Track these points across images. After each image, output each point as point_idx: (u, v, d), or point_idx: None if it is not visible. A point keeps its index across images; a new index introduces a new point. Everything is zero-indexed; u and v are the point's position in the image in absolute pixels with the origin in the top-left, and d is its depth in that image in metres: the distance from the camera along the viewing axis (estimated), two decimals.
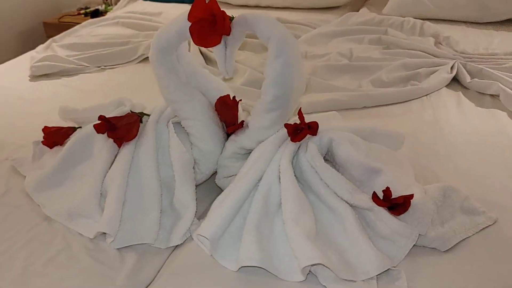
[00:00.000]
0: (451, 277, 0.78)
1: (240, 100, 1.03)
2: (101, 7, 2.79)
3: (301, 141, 0.89)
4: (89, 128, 1.03)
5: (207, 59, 1.63)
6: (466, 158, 1.09)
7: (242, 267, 0.79)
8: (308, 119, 0.95)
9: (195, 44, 0.92)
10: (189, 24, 0.89)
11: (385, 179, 0.86)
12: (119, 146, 0.97)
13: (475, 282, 0.77)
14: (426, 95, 1.37)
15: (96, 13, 2.71)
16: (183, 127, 1.01)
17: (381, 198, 0.83)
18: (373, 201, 0.82)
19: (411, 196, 0.81)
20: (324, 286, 0.76)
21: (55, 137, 1.08)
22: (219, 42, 0.91)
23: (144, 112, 1.04)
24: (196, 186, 1.00)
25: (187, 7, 2.07)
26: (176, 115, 1.02)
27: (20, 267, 0.83)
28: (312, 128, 0.89)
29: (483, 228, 0.88)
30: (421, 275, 0.79)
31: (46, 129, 1.11)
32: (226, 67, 0.96)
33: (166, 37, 0.95)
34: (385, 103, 1.32)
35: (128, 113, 1.02)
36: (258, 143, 0.95)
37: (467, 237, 0.86)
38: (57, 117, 1.23)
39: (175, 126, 1.01)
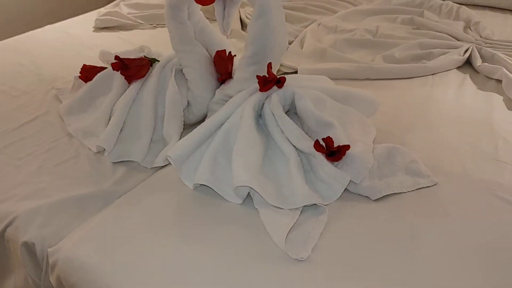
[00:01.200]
0: (369, 221, 0.89)
1: (235, 55, 1.19)
2: None
3: (267, 92, 1.03)
4: (110, 68, 1.25)
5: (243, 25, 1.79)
6: (441, 133, 1.15)
7: (198, 186, 0.97)
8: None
9: (196, 2, 1.09)
10: None
11: (335, 132, 0.98)
12: (129, 83, 1.18)
13: (388, 228, 0.87)
14: (433, 74, 1.42)
15: None
16: (184, 74, 1.19)
17: (324, 146, 0.95)
18: (314, 147, 0.95)
19: (347, 146, 0.93)
20: (256, 208, 0.91)
21: (89, 73, 1.31)
22: (213, 1, 1.06)
23: (156, 58, 1.24)
24: (190, 125, 1.18)
25: None
26: (180, 64, 1.20)
27: (36, 166, 1.07)
28: (280, 82, 1.03)
29: (421, 188, 0.97)
30: (345, 215, 0.90)
31: (84, 67, 1.34)
32: (223, 26, 1.12)
33: None
34: (388, 77, 1.40)
35: (141, 57, 1.22)
36: (239, 92, 1.10)
37: (401, 192, 0.95)
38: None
39: (178, 73, 1.19)
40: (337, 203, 0.93)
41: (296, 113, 1.07)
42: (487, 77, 1.40)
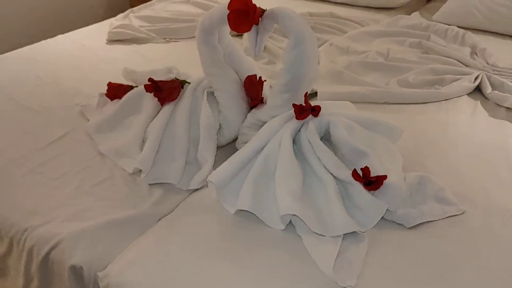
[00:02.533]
0: (406, 248, 0.94)
1: (265, 80, 1.23)
2: None
3: (304, 120, 1.07)
4: (141, 88, 1.27)
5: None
6: (460, 159, 1.21)
7: (238, 211, 1.00)
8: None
9: (231, 29, 1.12)
10: (227, 11, 1.09)
11: (369, 161, 1.03)
12: (162, 104, 1.20)
13: (425, 255, 0.92)
14: (446, 100, 1.48)
15: None
16: (215, 97, 1.22)
17: (361, 175, 0.99)
18: (352, 176, 0.99)
19: (385, 176, 0.97)
20: (299, 235, 0.95)
21: (116, 91, 1.33)
22: (249, 30, 1.09)
23: (187, 80, 1.26)
24: (220, 147, 1.22)
25: None
26: (211, 86, 1.23)
27: (74, 186, 1.09)
28: (315, 111, 1.07)
29: (451, 216, 1.02)
30: (383, 242, 0.95)
31: (110, 84, 1.36)
32: (255, 52, 1.15)
33: (209, 20, 1.16)
34: (404, 101, 1.46)
35: (173, 79, 1.24)
36: (271, 117, 1.14)
37: (433, 220, 1.01)
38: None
39: (209, 95, 1.22)
40: (373, 230, 0.97)
41: (328, 141, 1.11)
42: (497, 104, 1.46)
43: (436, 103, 1.47)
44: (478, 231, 0.99)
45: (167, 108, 1.19)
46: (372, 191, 0.99)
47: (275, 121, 1.10)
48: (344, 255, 0.91)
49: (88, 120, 1.32)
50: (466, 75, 1.56)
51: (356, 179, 0.99)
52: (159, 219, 1.03)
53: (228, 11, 1.08)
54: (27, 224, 0.99)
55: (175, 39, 1.92)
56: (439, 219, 1.01)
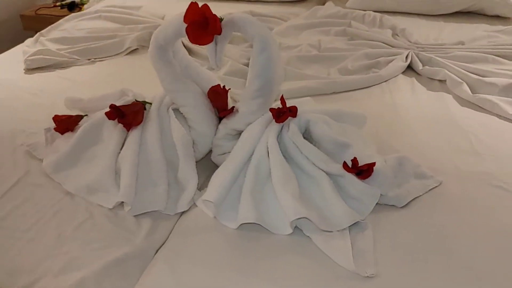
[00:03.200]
0: (405, 227, 0.99)
1: (229, 89, 1.21)
2: (77, 0, 2.87)
3: (283, 122, 1.08)
4: (98, 116, 1.19)
5: (190, 51, 1.79)
6: (418, 135, 1.30)
7: (240, 225, 0.98)
8: (287, 104, 1.14)
9: (191, 42, 1.07)
10: (184, 25, 1.05)
11: (352, 151, 1.06)
12: (128, 130, 1.13)
13: (423, 230, 0.98)
14: (385, 81, 1.58)
15: (72, 6, 2.78)
16: (181, 113, 1.18)
17: (350, 166, 1.03)
18: (344, 168, 1.02)
19: (374, 163, 1.02)
20: (308, 236, 0.96)
21: (65, 124, 1.23)
22: (211, 41, 1.06)
23: (146, 101, 1.20)
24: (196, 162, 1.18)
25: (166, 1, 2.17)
26: (174, 103, 1.19)
27: (54, 234, 0.99)
28: (293, 111, 1.08)
29: (431, 189, 1.10)
30: (383, 226, 0.99)
31: (56, 118, 1.25)
32: (216, 61, 1.13)
33: (164, 36, 1.11)
34: (350, 88, 1.53)
35: (134, 101, 1.18)
36: (246, 125, 1.13)
37: (418, 196, 1.07)
38: (59, 106, 1.38)
39: (174, 112, 1.18)
40: (369, 217, 1.02)
41: (307, 139, 1.13)
42: (430, 78, 1.59)
43: (377, 86, 1.56)
44: (458, 198, 1.07)
45: (135, 133, 1.12)
46: (363, 180, 1.03)
47: (254, 127, 1.10)
48: (355, 246, 0.94)
49: (40, 159, 1.21)
50: (396, 55, 1.67)
51: (348, 171, 1.02)
52: (157, 250, 0.98)
53: (184, 24, 1.05)
54: (15, 287, 0.89)
55: (101, 58, 1.81)
56: (422, 194, 1.08)
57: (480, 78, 1.48)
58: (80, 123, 1.25)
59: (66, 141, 1.21)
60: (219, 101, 1.19)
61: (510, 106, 1.35)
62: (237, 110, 1.15)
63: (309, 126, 1.10)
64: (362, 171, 1.02)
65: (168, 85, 1.16)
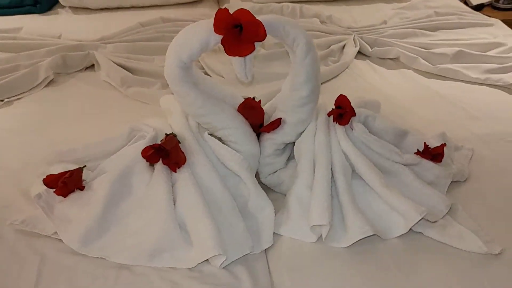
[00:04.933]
0: (470, 191, 1.04)
1: (260, 100, 1.09)
2: None
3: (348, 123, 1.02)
4: (120, 164, 0.96)
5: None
6: (414, 112, 1.34)
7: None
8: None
9: (228, 54, 0.93)
10: (213, 36, 0.91)
11: (411, 138, 1.06)
12: (175, 171, 0.94)
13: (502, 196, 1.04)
14: (347, 68, 1.60)
15: None
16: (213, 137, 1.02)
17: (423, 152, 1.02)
18: (419, 155, 1.01)
19: (444, 145, 1.03)
20: (420, 232, 0.93)
21: (72, 183, 0.96)
22: (254, 49, 0.94)
23: (174, 132, 1.01)
24: None
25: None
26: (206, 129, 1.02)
27: None
28: (351, 110, 1.02)
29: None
30: (456, 198, 1.02)
31: (50, 178, 0.97)
32: (246, 73, 0.99)
33: (189, 52, 0.94)
34: (323, 80, 1.50)
35: (170, 135, 0.97)
36: (298, 135, 1.04)
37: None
38: (8, 162, 1.11)
39: (210, 139, 1.01)
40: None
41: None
42: (380, 58, 1.66)
43: (343, 74, 1.58)
44: (484, 162, 1.14)
45: (186, 171, 0.93)
46: (438, 163, 1.03)
47: (308, 135, 1.01)
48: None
49: (45, 236, 0.92)
50: (342, 41, 1.70)
51: (423, 157, 1.01)
52: None
53: (214, 35, 0.90)
54: None
55: (15, 96, 1.45)
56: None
57: (430, 50, 1.60)
58: (82, 176, 0.99)
59: (77, 203, 0.95)
60: (255, 116, 1.06)
61: (469, 71, 1.50)
62: (284, 122, 1.03)
63: (367, 121, 1.05)
64: (437, 154, 1.02)
65: (199, 110, 0.99)
